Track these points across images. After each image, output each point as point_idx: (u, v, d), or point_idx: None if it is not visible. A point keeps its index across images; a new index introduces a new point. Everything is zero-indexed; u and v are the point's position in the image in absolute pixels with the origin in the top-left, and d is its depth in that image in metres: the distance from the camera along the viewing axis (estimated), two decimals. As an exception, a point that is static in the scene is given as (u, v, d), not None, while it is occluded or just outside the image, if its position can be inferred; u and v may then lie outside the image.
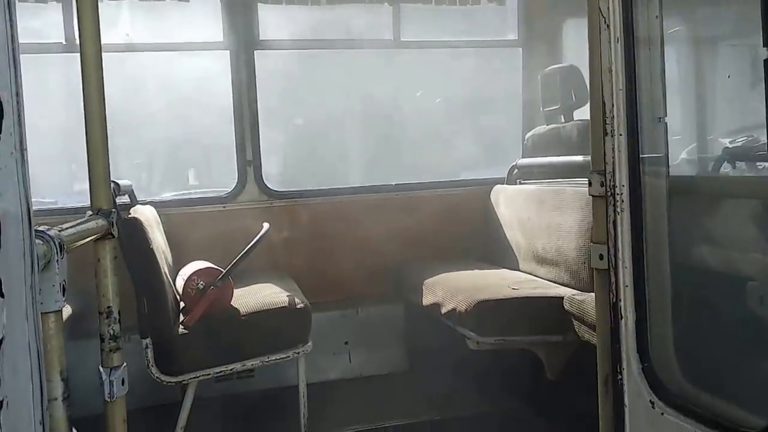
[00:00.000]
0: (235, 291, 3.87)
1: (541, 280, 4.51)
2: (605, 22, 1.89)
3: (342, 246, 5.40)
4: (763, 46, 1.36)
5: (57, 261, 1.21)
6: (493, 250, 5.39)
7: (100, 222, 1.78)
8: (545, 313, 3.87)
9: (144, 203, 4.65)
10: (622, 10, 1.84)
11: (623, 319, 1.90)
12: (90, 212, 1.85)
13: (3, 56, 0.99)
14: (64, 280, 1.26)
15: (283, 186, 5.56)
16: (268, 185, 5.35)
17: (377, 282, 5.39)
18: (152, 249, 3.46)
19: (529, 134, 5.43)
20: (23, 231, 0.98)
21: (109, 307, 1.87)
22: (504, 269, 5.01)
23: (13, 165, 0.96)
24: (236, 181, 5.34)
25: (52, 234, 1.24)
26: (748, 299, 1.69)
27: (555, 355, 3.95)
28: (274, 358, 3.72)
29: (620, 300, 1.90)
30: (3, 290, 0.89)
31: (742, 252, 1.86)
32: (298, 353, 3.78)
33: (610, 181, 1.93)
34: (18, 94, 1.04)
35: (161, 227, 4.50)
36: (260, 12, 5.31)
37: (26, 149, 1.03)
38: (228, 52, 5.23)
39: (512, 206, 5.20)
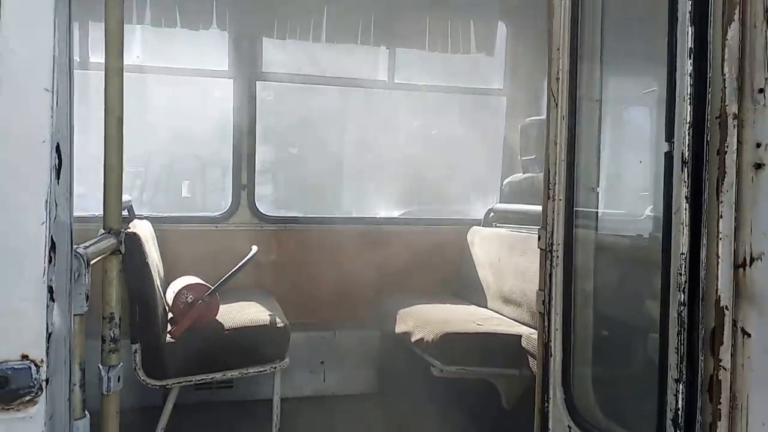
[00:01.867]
0: (222, 306, 4.16)
1: (505, 318, 4.82)
2: (555, 101, 2.23)
3: (325, 272, 5.69)
4: (666, 141, 1.70)
5: (85, 274, 1.52)
6: (465, 286, 5.70)
7: (111, 240, 2.09)
8: (504, 348, 4.18)
9: (141, 218, 4.93)
10: (569, 93, 2.18)
11: (552, 357, 2.21)
12: (102, 230, 2.16)
13: (64, 115, 1.31)
14: (88, 289, 1.56)
15: (272, 208, 5.87)
16: (260, 209, 5.65)
17: (355, 308, 5.67)
18: (147, 263, 3.76)
19: (506, 180, 5.76)
20: (68, 251, 1.30)
21: (111, 313, 2.17)
22: (473, 305, 5.32)
23: (65, 202, 1.28)
24: (230, 202, 5.64)
25: (81, 252, 1.55)
26: (649, 348, 2.01)
27: (511, 387, 4.25)
28: (252, 371, 4.01)
29: (551, 340, 2.22)
30: (54, 296, 1.21)
31: (643, 304, 2.17)
32: (275, 368, 4.07)
33: (549, 238, 2.26)
34: (71, 143, 1.36)
35: (156, 241, 4.78)
36: (265, 45, 5.64)
37: (73, 187, 1.35)
38: (232, 80, 5.54)
39: (486, 247, 5.53)
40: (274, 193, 6.93)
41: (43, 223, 1.20)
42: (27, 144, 1.21)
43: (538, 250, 4.54)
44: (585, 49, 2.18)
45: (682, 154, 1.60)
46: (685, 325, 1.59)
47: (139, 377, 3.72)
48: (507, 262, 4.98)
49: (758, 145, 1.55)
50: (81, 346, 1.56)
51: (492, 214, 5.82)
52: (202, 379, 3.89)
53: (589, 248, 2.26)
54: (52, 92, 1.21)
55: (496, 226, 5.74)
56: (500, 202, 5.86)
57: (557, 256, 2.23)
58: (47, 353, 1.20)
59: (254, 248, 4.57)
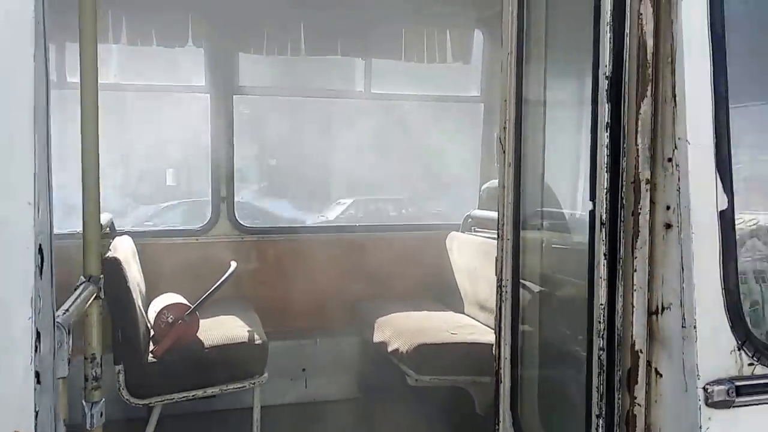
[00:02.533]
0: (203, 321, 4.32)
1: (480, 325, 5.00)
2: (502, 149, 2.41)
3: (305, 280, 5.81)
4: (590, 200, 1.87)
5: (66, 341, 1.68)
6: (444, 292, 5.85)
7: (92, 289, 2.25)
8: (477, 356, 4.36)
9: (122, 233, 5.06)
10: (515, 141, 2.36)
11: (502, 384, 2.41)
12: (82, 277, 2.32)
13: (44, 220, 1.47)
14: (70, 353, 1.73)
15: (250, 219, 6.01)
16: (239, 221, 5.79)
17: (336, 316, 5.81)
18: (128, 287, 3.92)
19: (484, 186, 5.89)
20: (51, 329, 1.48)
21: (93, 354, 2.34)
22: (450, 311, 5.49)
23: (47, 293, 1.45)
24: (210, 215, 5.77)
25: (62, 321, 1.71)
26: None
27: (484, 394, 4.43)
28: (232, 387, 4.18)
29: (501, 368, 2.41)
30: (41, 378, 1.39)
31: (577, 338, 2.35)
32: (254, 383, 4.24)
33: (499, 273, 2.44)
34: (51, 238, 1.52)
35: (137, 257, 4.92)
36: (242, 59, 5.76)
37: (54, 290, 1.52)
38: (209, 95, 5.66)
39: (463, 253, 5.68)
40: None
41: (29, 318, 1.38)
42: (13, 250, 1.38)
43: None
44: (530, 101, 2.36)
45: (600, 215, 1.78)
46: (604, 367, 1.78)
47: (123, 397, 3.88)
48: (482, 269, 5.14)
49: (668, 208, 1.73)
50: (64, 405, 1.72)
51: (470, 219, 5.95)
52: (184, 396, 4.05)
53: (535, 284, 2.44)
54: (35, 206, 1.38)
55: (474, 231, 5.86)
56: (479, 208, 5.98)
57: (506, 291, 2.42)
58: (36, 428, 1.38)
59: (233, 264, 4.72)
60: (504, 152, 2.40)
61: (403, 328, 4.81)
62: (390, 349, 4.71)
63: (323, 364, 5.63)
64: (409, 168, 6.77)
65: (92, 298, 2.26)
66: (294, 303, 5.77)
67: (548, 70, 2.35)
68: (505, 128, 2.38)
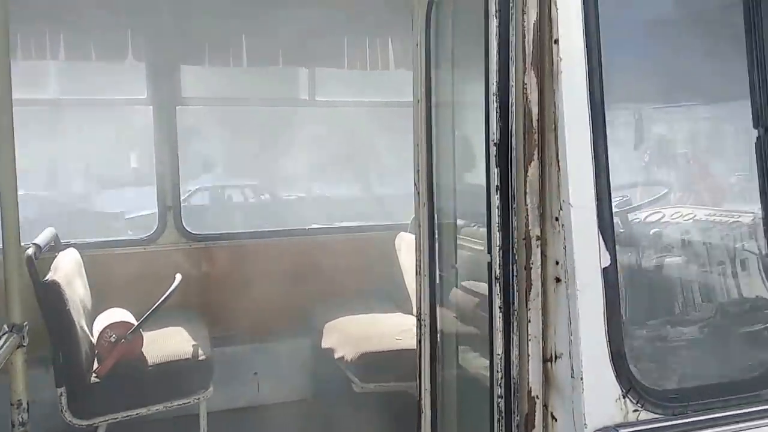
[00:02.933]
0: (149, 333, 4.37)
1: (425, 328, 5.10)
2: (417, 189, 2.50)
3: (255, 285, 5.85)
4: (487, 252, 1.97)
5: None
6: (394, 293, 5.94)
7: (14, 339, 2.29)
8: (420, 362, 4.47)
9: (67, 246, 5.06)
10: (427, 184, 2.45)
11: (423, 413, 2.52)
12: (5, 326, 2.36)
13: None
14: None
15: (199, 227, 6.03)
16: (187, 228, 5.81)
17: (287, 319, 5.86)
18: (68, 310, 3.94)
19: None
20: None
21: (19, 400, 2.39)
22: (399, 313, 5.58)
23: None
24: (157, 224, 5.78)
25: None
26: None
27: (429, 398, 4.56)
28: (177, 403, 4.25)
29: (421, 399, 2.51)
30: None
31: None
32: (199, 399, 4.31)
33: (419, 307, 2.54)
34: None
35: (83, 269, 4.93)
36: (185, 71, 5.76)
37: None
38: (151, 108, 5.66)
39: (411, 254, 5.74)
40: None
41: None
42: None
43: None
44: (441, 149, 2.45)
45: (495, 271, 1.88)
46: (503, 413, 1.89)
47: (66, 419, 3.92)
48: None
49: (557, 263, 1.84)
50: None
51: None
52: (128, 415, 4.10)
53: (452, 318, 2.54)
54: None
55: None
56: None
57: (425, 324, 2.52)
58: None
59: (178, 277, 4.75)
60: (418, 194, 2.50)
61: (349, 335, 4.90)
62: (336, 356, 4.81)
63: (275, 367, 5.70)
64: (349, 171, 6.82)
65: (16, 348, 2.30)
66: (245, 308, 5.79)
67: (455, 74, 2.44)
68: (418, 171, 2.47)
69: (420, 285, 2.53)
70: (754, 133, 2.14)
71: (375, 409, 4.92)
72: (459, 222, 2.22)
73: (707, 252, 2.76)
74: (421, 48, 2.53)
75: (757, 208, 2.20)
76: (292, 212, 6.91)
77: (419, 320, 2.54)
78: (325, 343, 5.11)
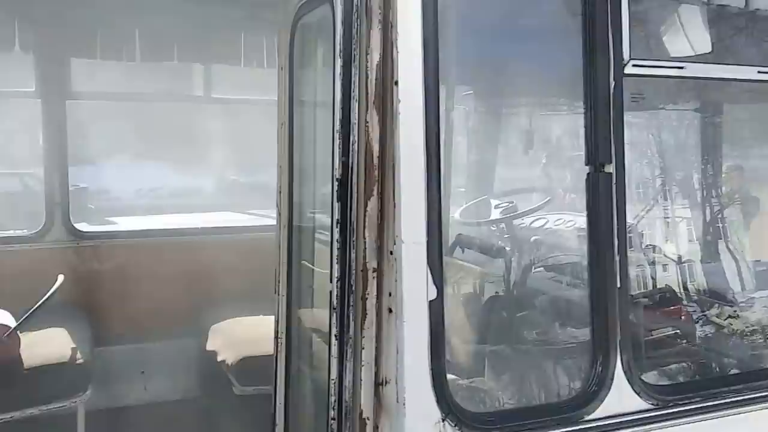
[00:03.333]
0: (30, 334, 4.29)
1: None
2: (278, 210, 2.59)
3: (144, 284, 5.81)
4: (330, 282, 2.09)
5: None
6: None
7: None
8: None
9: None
10: (288, 205, 2.56)
11: (276, 426, 2.63)
12: None
13: None
14: None
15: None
16: (75, 226, 5.71)
17: (175, 318, 5.84)
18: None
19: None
20: None
21: None
22: (287, 315, 5.67)
23: None
24: (44, 221, 5.65)
25: None
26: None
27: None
28: (53, 406, 4.20)
29: (275, 412, 2.63)
30: None
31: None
32: (75, 402, 4.28)
33: (275, 330, 2.65)
34: None
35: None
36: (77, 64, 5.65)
37: None
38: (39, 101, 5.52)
39: (299, 252, 5.85)
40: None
41: None
42: None
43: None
44: (303, 172, 2.56)
45: (333, 301, 2.00)
46: (335, 435, 2.02)
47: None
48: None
49: (390, 294, 1.97)
50: None
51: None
52: (2, 419, 4.04)
53: (307, 338, 2.66)
54: None
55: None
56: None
57: (281, 343, 2.63)
58: None
59: (60, 278, 4.68)
60: (279, 215, 2.60)
61: (232, 338, 4.96)
62: (219, 359, 4.86)
63: (163, 367, 5.69)
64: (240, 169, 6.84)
65: None
66: (133, 308, 5.76)
67: (317, 100, 2.55)
68: (280, 192, 2.57)
69: (278, 305, 2.63)
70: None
71: (254, 411, 5.00)
72: (317, 245, 2.32)
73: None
74: (285, 71, 2.62)
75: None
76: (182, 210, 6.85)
77: (276, 339, 2.64)
78: (210, 346, 5.15)
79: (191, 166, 7.02)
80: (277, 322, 2.67)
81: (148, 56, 5.74)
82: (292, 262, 2.60)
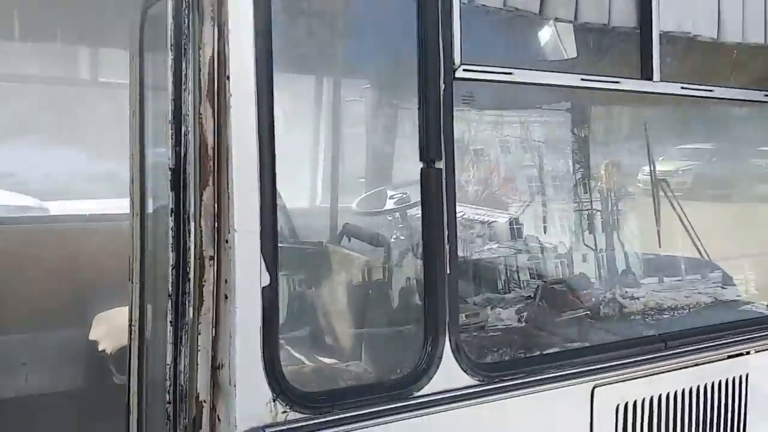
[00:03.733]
0: None
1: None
2: (131, 198, 2.61)
3: (25, 272, 5.64)
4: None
5: None
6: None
7: None
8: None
9: None
10: (140, 192, 2.58)
11: (131, 414, 2.66)
12: None
13: None
14: None
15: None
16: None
17: (60, 307, 5.70)
18: None
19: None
20: None
21: None
22: (175, 302, 5.64)
23: None
24: None
25: None
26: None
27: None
28: None
29: (129, 401, 2.66)
30: None
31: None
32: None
33: (129, 317, 2.67)
34: None
35: None
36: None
37: None
38: None
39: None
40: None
41: None
42: None
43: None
44: (156, 161, 2.58)
45: (168, 288, 2.05)
46: (170, 417, 2.08)
47: None
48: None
49: (226, 281, 2.04)
50: None
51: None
52: None
53: (161, 326, 2.69)
54: None
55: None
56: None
57: (135, 331, 2.65)
58: None
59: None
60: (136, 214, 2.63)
61: (115, 327, 4.90)
62: (100, 348, 4.81)
63: (46, 358, 5.56)
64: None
65: None
66: (13, 296, 5.59)
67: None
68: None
69: (131, 293, 2.65)
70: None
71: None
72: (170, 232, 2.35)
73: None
74: (135, 60, 2.63)
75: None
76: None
77: (130, 327, 2.67)
78: (92, 335, 5.09)
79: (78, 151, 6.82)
80: (130, 310, 2.69)
81: (26, 36, 5.55)
82: (145, 250, 2.63)
